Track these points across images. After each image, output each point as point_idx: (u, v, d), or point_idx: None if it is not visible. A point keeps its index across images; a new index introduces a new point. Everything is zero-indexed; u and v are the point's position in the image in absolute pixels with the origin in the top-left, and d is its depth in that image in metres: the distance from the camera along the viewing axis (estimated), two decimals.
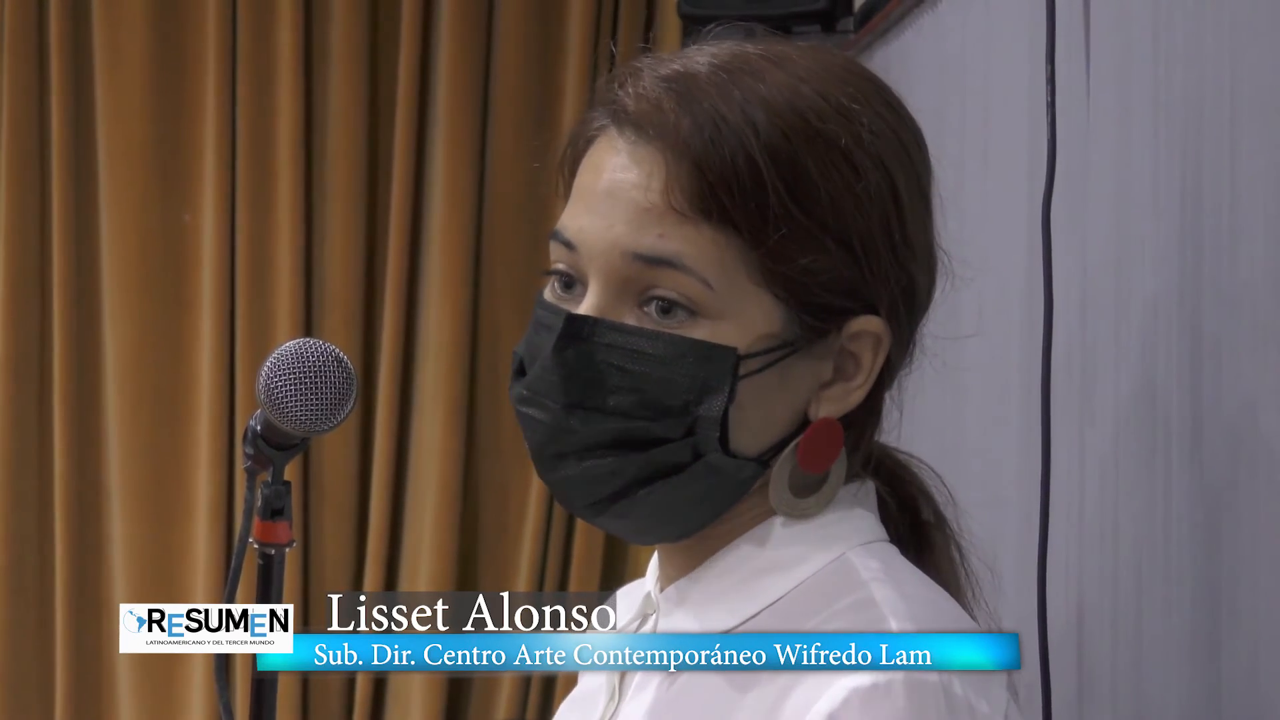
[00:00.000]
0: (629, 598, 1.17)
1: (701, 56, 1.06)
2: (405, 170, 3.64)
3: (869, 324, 1.04)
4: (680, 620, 1.08)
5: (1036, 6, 1.62)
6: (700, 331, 1.02)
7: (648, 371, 1.02)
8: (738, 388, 1.02)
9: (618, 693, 1.11)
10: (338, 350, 1.17)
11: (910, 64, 2.40)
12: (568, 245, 1.05)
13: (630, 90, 1.04)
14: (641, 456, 1.03)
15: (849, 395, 1.05)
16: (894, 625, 0.98)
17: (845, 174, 1.02)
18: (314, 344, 1.17)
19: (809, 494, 1.07)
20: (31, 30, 3.68)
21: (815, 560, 1.05)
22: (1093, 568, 1.54)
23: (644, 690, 1.08)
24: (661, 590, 1.10)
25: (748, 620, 1.04)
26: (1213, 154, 1.27)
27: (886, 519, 1.10)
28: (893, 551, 1.07)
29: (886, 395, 1.10)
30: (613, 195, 1.03)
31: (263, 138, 3.65)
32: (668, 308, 1.02)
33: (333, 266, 3.68)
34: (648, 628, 1.11)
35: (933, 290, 1.10)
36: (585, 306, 1.03)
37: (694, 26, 3.45)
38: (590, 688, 1.17)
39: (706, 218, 1.01)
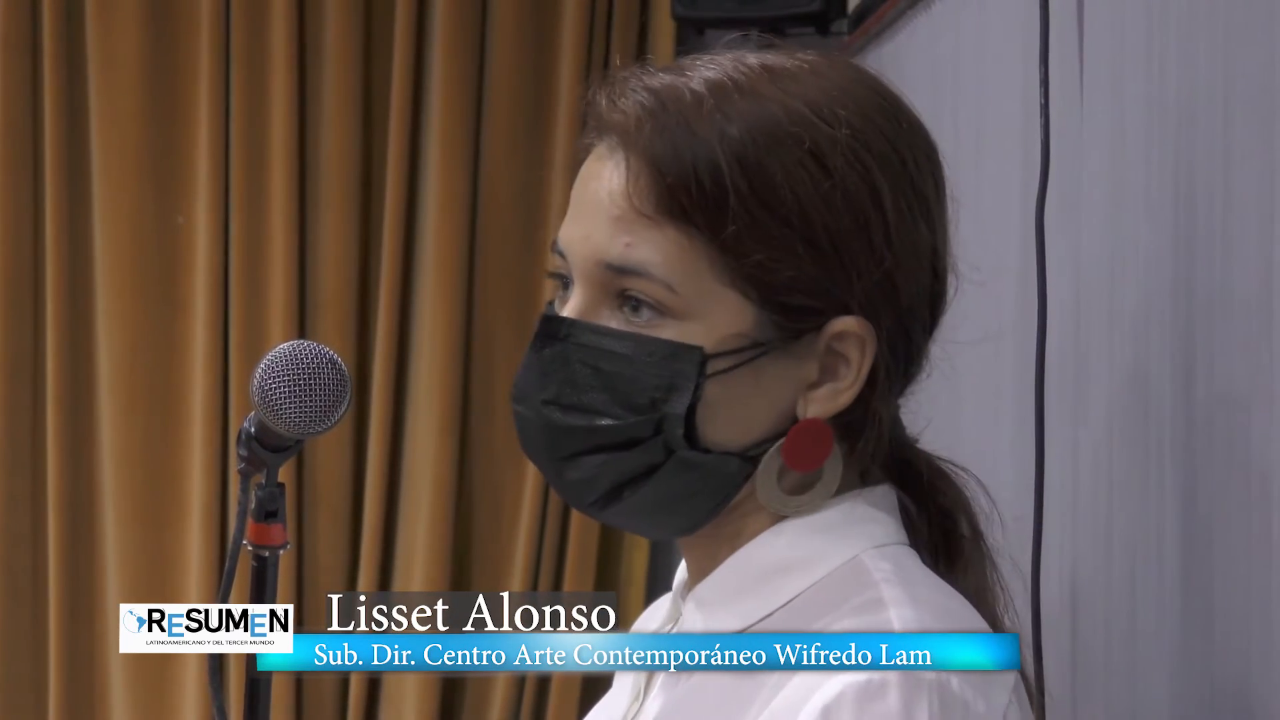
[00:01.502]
0: (661, 607, 1.19)
1: (693, 68, 1.08)
2: (399, 173, 3.64)
3: (847, 324, 1.05)
4: (697, 622, 1.09)
5: (1030, 8, 1.62)
6: (668, 331, 1.04)
7: (618, 370, 1.04)
8: (705, 385, 1.04)
9: (642, 693, 1.12)
10: (332, 352, 1.17)
11: (904, 66, 2.41)
12: (560, 254, 1.09)
13: (609, 101, 1.07)
14: (618, 458, 1.05)
15: (838, 396, 1.06)
16: (897, 625, 0.99)
17: (814, 174, 1.03)
18: (308, 346, 1.17)
19: (804, 491, 1.08)
20: (25, 32, 3.67)
21: (829, 561, 1.07)
22: (1086, 567, 1.55)
23: (663, 691, 1.10)
24: (688, 593, 1.12)
25: (761, 620, 1.06)
26: (1206, 157, 1.27)
27: (911, 526, 1.11)
28: (908, 554, 1.08)
29: (888, 401, 1.09)
30: (589, 204, 1.07)
31: (256, 140, 3.65)
32: (637, 306, 1.05)
33: (327, 269, 3.68)
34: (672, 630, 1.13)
35: (932, 298, 1.10)
36: (569, 309, 1.07)
37: (688, 28, 3.45)
38: (619, 687, 1.18)
39: (670, 219, 1.03)
